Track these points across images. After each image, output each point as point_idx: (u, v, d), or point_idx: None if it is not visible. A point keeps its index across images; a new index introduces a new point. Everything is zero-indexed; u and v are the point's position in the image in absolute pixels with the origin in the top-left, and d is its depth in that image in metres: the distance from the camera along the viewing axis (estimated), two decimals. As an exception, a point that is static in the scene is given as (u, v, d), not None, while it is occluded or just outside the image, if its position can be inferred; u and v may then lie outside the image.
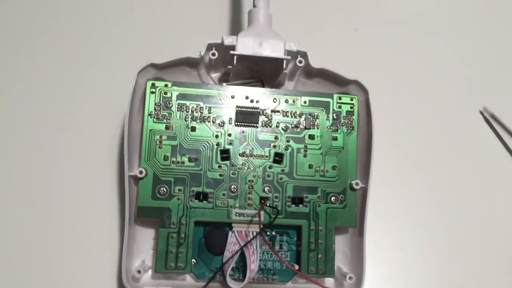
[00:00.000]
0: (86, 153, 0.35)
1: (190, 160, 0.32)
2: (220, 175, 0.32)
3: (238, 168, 0.33)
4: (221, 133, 0.33)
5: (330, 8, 0.42)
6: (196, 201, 0.32)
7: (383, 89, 0.38)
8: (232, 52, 0.33)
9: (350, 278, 0.32)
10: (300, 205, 0.33)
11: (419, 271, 0.36)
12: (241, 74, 0.35)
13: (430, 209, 0.37)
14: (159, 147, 0.32)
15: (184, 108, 0.33)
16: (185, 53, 0.33)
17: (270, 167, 0.33)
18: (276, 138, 0.33)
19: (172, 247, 0.31)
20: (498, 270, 0.36)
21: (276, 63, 0.33)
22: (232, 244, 0.32)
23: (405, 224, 0.37)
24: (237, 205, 0.32)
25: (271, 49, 0.33)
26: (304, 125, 0.34)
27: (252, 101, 0.34)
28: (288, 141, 0.33)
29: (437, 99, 0.40)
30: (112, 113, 0.36)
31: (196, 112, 0.33)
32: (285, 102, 0.34)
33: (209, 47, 0.33)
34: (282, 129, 0.33)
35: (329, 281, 0.33)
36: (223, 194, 0.32)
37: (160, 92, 0.33)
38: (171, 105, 0.33)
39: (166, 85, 0.33)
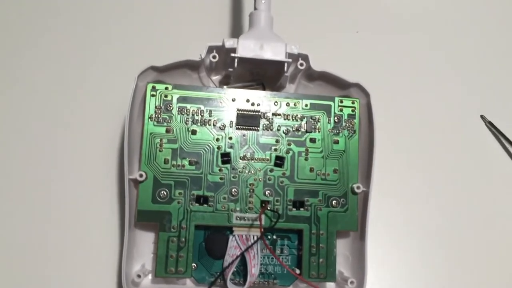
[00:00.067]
0: (86, 156, 0.35)
1: (190, 163, 0.32)
2: (221, 178, 0.32)
3: (239, 171, 0.32)
4: (222, 137, 0.33)
5: (331, 11, 0.42)
6: (197, 204, 0.32)
7: (384, 92, 0.38)
8: (233, 54, 0.33)
9: (352, 282, 0.32)
10: (301, 209, 0.33)
11: (421, 276, 0.36)
12: (242, 77, 0.35)
13: (432, 213, 0.37)
14: (160, 151, 0.32)
15: (185, 111, 0.33)
16: (186, 56, 0.33)
17: (271, 170, 0.33)
18: (277, 141, 0.33)
19: (172, 251, 0.31)
20: (501, 277, 0.36)
21: (277, 66, 0.33)
22: (233, 248, 0.32)
23: (407, 228, 0.36)
24: (238, 209, 0.32)
25: (272, 52, 0.33)
26: (305, 128, 0.34)
27: (253, 104, 0.33)
28: (289, 144, 0.33)
29: (439, 103, 0.40)
30: (112, 116, 0.36)
31: (196, 115, 0.33)
32: (286, 105, 0.34)
33: (210, 49, 0.33)
34: (283, 132, 0.33)
35: (330, 285, 0.33)
36: (224, 198, 0.32)
37: (161, 95, 0.33)
38: (171, 108, 0.33)
39: (166, 88, 0.33)
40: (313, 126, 0.34)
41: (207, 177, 0.32)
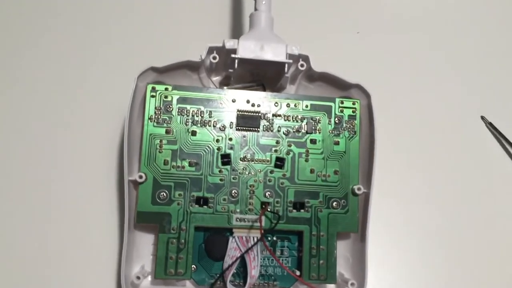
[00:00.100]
0: (85, 157, 0.35)
1: (190, 164, 0.32)
2: (221, 179, 0.32)
3: (239, 172, 0.32)
4: (222, 138, 0.33)
5: (331, 12, 0.42)
6: (197, 206, 0.32)
7: (385, 93, 0.38)
8: (233, 55, 0.32)
9: (352, 284, 0.32)
10: (302, 210, 0.32)
11: (422, 277, 0.36)
12: (242, 78, 0.35)
13: (433, 214, 0.37)
14: (159, 152, 0.32)
15: (185, 112, 0.33)
16: (186, 57, 0.33)
17: (271, 171, 0.33)
18: (277, 142, 0.33)
19: (172, 253, 0.31)
20: (501, 277, 0.36)
21: (277, 67, 0.33)
22: (233, 250, 0.32)
23: (408, 230, 0.36)
24: (238, 210, 0.32)
25: (273, 53, 0.33)
26: (305, 129, 0.33)
27: (253, 105, 0.33)
28: (289, 145, 0.33)
29: (439, 103, 0.40)
30: (112, 116, 0.36)
31: (196, 116, 0.33)
32: (287, 106, 0.34)
33: (210, 50, 0.33)
34: (284, 133, 0.33)
35: (330, 287, 0.33)
36: (224, 199, 0.32)
37: (161, 96, 0.32)
38: (171, 109, 0.32)
39: (166, 89, 0.33)
40: (313, 127, 0.34)
41: (207, 178, 0.32)
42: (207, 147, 0.32)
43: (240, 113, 0.33)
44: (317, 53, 0.34)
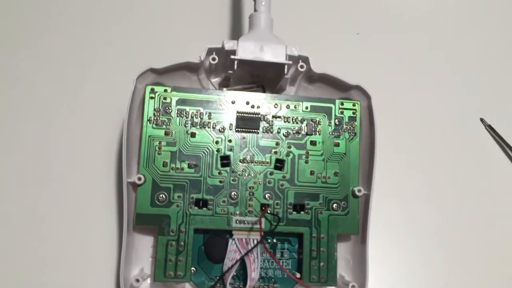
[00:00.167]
0: (84, 158, 0.35)
1: (189, 166, 0.32)
2: (220, 181, 0.32)
3: (239, 174, 0.32)
4: (222, 139, 0.32)
5: (331, 13, 0.41)
6: (196, 208, 0.31)
7: (385, 95, 0.37)
8: (232, 57, 0.32)
9: (353, 286, 0.32)
10: (302, 212, 0.32)
11: (423, 279, 0.35)
12: (242, 79, 0.34)
13: (433, 215, 0.37)
14: (158, 153, 0.32)
15: (184, 113, 0.32)
16: (185, 58, 0.33)
17: (271, 173, 0.32)
18: (277, 144, 0.33)
19: (171, 255, 0.31)
20: (500, 277, 0.36)
21: (277, 68, 0.33)
22: (233, 252, 0.32)
23: (408, 231, 0.36)
24: (238, 212, 0.32)
25: (272, 54, 0.33)
26: (305, 131, 0.33)
27: (253, 106, 0.33)
28: (289, 147, 0.33)
29: (439, 105, 0.40)
30: (110, 118, 0.36)
31: (196, 117, 0.32)
32: (287, 107, 0.33)
33: (209, 51, 0.33)
34: (283, 135, 0.33)
35: (331, 289, 0.33)
36: (223, 201, 0.32)
37: (160, 97, 0.32)
38: (170, 110, 0.32)
39: (165, 90, 0.32)
40: (313, 129, 0.33)
41: (207, 180, 0.32)
42: (206, 149, 0.32)
43: (240, 114, 0.33)
44: (317, 54, 0.34)
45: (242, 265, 0.32)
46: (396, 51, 0.41)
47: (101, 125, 0.36)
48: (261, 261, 0.32)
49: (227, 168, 0.32)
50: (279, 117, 0.33)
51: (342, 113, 0.34)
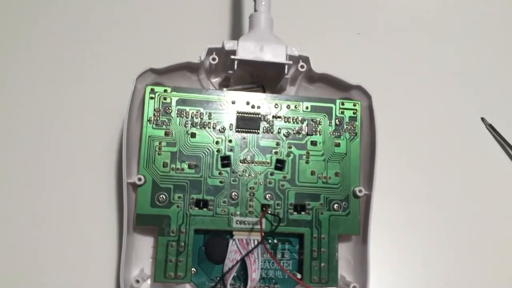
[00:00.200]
0: (83, 159, 0.35)
1: (190, 167, 0.32)
2: (221, 182, 0.32)
3: (239, 175, 0.32)
4: (222, 139, 0.32)
5: (332, 12, 0.41)
6: (196, 208, 0.31)
7: (386, 95, 0.37)
8: (232, 57, 0.32)
9: (354, 287, 0.31)
10: (302, 213, 0.32)
11: (424, 280, 0.35)
12: (242, 79, 0.34)
13: (435, 216, 0.37)
14: (158, 154, 0.32)
15: (184, 113, 0.32)
16: (185, 58, 0.33)
17: (272, 174, 0.32)
18: (277, 144, 0.33)
19: (172, 256, 0.30)
20: (501, 277, 0.36)
21: (277, 68, 0.33)
22: (233, 253, 0.31)
23: (410, 232, 0.36)
24: (238, 213, 0.32)
25: (273, 54, 0.33)
26: (306, 131, 0.33)
27: (253, 106, 0.33)
28: (290, 147, 0.33)
29: (440, 104, 0.40)
30: (110, 118, 0.35)
31: (196, 118, 0.32)
32: (287, 107, 0.33)
33: (210, 51, 0.33)
34: (284, 135, 0.33)
35: (332, 290, 0.33)
36: (224, 202, 0.32)
37: (160, 98, 0.32)
38: (170, 110, 0.32)
39: (165, 91, 0.32)
40: (314, 129, 0.33)
41: (207, 180, 0.32)
42: (206, 149, 0.32)
43: (240, 114, 0.33)
44: (317, 54, 0.34)
45: (243, 265, 0.31)
46: (397, 51, 0.41)
47: (101, 125, 0.36)
48: (261, 262, 0.32)
49: (228, 169, 0.32)
50: (279, 117, 0.33)
51: (342, 113, 0.34)
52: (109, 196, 0.34)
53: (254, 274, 0.31)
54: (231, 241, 0.32)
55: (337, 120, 0.34)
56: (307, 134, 0.33)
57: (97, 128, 0.35)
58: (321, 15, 0.41)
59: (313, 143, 0.33)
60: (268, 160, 0.33)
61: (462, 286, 0.35)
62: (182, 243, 0.31)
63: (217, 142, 0.32)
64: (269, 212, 0.32)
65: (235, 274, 0.31)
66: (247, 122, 0.33)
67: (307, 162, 0.33)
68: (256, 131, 0.33)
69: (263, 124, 0.33)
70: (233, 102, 0.33)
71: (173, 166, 0.32)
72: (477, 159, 0.39)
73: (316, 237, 0.32)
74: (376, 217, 0.33)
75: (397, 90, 0.40)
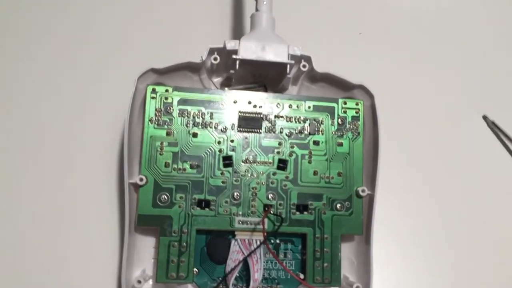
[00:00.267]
0: (85, 159, 0.35)
1: (191, 167, 0.32)
2: (223, 182, 0.32)
3: (241, 175, 0.32)
4: (224, 139, 0.32)
5: (333, 12, 0.41)
6: (198, 208, 0.31)
7: (389, 94, 0.37)
8: (234, 56, 0.32)
9: (357, 287, 0.31)
10: (305, 213, 0.32)
11: (427, 280, 0.35)
12: (244, 79, 0.34)
13: (438, 216, 0.37)
14: (160, 154, 0.31)
15: (186, 113, 0.32)
16: (187, 58, 0.33)
17: (274, 173, 0.32)
18: (280, 144, 0.33)
19: (174, 256, 0.30)
20: (505, 276, 0.36)
21: (279, 67, 0.33)
22: (235, 253, 0.31)
23: (413, 231, 0.36)
24: (240, 213, 0.31)
25: (274, 54, 0.32)
26: (308, 130, 0.33)
27: (255, 106, 0.33)
28: (292, 147, 0.33)
29: (443, 103, 0.40)
30: (112, 119, 0.35)
31: (197, 117, 0.32)
32: (289, 107, 0.33)
33: (211, 51, 0.33)
34: (286, 134, 0.33)
35: (335, 290, 0.33)
36: (226, 202, 0.31)
37: (161, 98, 0.32)
38: (172, 110, 0.32)
39: (166, 90, 0.32)
40: (316, 129, 0.33)
41: (209, 180, 0.32)
42: (208, 149, 0.32)
43: (242, 114, 0.33)
44: (319, 53, 0.34)
45: (245, 266, 0.31)
46: (399, 50, 0.41)
47: (102, 125, 0.35)
48: (264, 262, 0.32)
49: (230, 169, 0.32)
50: (281, 116, 0.33)
51: (345, 112, 0.34)
52: (110, 196, 0.34)
53: (257, 275, 0.31)
54: (233, 241, 0.31)
55: (339, 120, 0.33)
56: (310, 134, 0.33)
57: (98, 129, 0.35)
58: (323, 15, 0.41)
59: (316, 143, 0.33)
60: (270, 160, 0.32)
61: (465, 286, 0.35)
62: (184, 244, 0.31)
63: (219, 142, 0.32)
64: (272, 212, 0.32)
65: (237, 275, 0.31)
66: (249, 122, 0.33)
67: (309, 162, 0.33)
68: (258, 131, 0.33)
69: (265, 124, 0.33)
70: (235, 102, 0.33)
71: (175, 166, 0.31)
72: (479, 158, 0.39)
73: (319, 237, 0.32)
74: (379, 217, 0.33)
75: (399, 89, 0.39)
